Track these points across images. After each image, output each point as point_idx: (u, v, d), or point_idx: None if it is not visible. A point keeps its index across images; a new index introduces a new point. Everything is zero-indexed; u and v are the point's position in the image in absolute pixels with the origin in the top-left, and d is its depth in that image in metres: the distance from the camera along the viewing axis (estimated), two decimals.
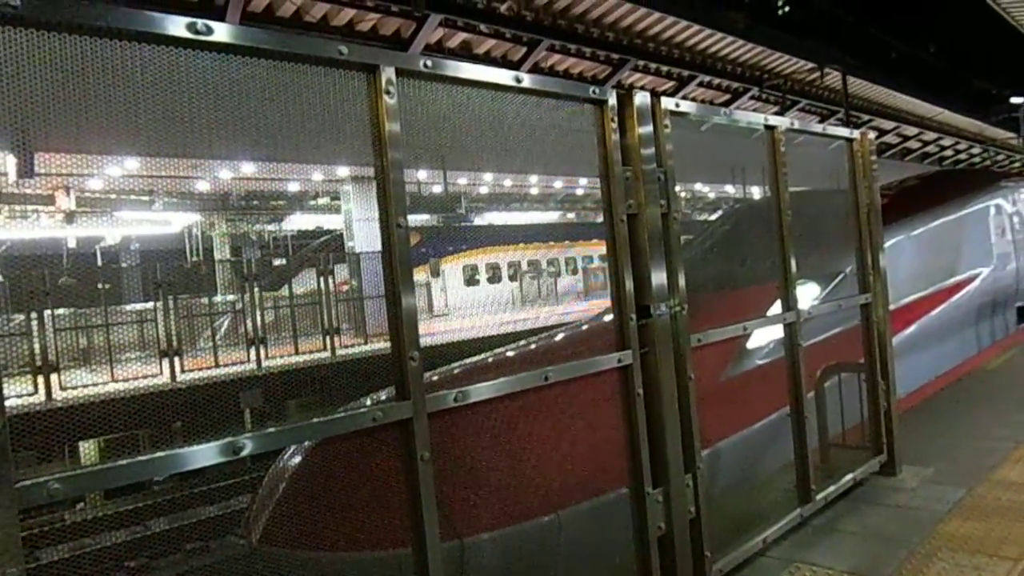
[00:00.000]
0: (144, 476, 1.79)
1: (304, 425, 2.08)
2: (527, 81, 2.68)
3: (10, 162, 12.42)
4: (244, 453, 1.91)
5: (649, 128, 3.12)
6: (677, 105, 3.35)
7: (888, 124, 29.11)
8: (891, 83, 26.47)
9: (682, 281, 3.21)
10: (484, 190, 26.17)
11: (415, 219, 23.45)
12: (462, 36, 16.43)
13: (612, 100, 2.97)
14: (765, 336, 4.98)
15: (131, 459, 1.77)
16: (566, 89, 2.96)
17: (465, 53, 16.55)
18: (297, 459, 3.91)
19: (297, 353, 14.74)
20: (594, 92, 2.92)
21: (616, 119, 2.99)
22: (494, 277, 27.65)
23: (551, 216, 32.33)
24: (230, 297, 18.47)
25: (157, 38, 1.99)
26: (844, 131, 4.80)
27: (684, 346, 3.22)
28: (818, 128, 4.76)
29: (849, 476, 4.53)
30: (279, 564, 3.26)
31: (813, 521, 4.18)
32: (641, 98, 3.10)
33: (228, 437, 1.88)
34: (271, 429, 2.01)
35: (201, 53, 2.05)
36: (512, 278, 28.06)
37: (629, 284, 2.99)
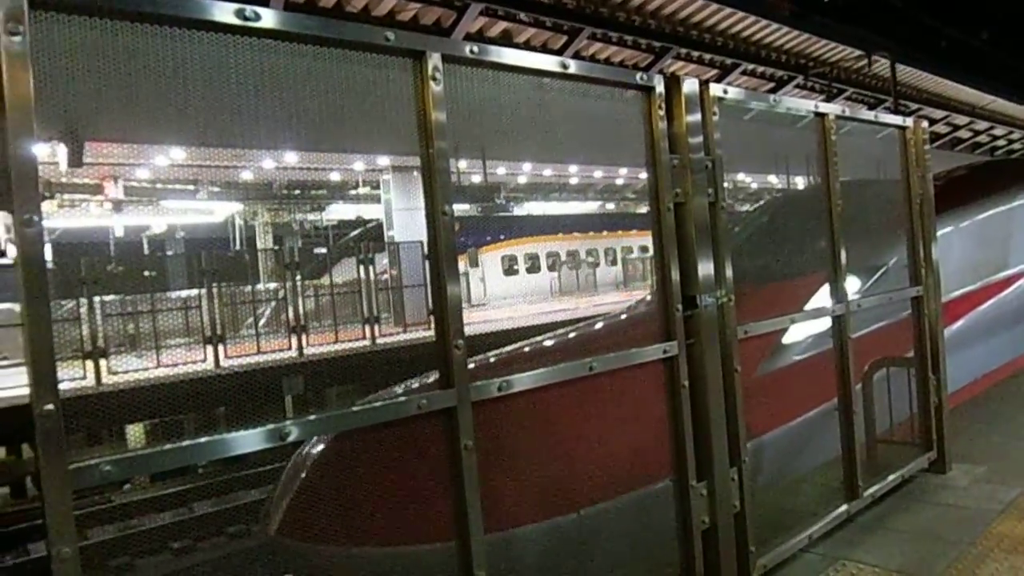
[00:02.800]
0: (194, 460, 1.80)
1: (350, 412, 2.08)
2: (573, 67, 2.64)
3: (61, 151, 12.73)
4: (291, 439, 1.92)
5: (697, 116, 3.06)
6: (725, 92, 3.28)
7: (938, 113, 28.37)
8: (941, 70, 25.76)
9: (729, 272, 3.15)
10: (523, 180, 26.11)
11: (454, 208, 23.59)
12: (502, 25, 16.39)
13: (660, 87, 2.92)
14: (801, 331, 4.81)
15: (181, 443, 1.79)
16: (612, 75, 2.92)
17: (505, 42, 16.51)
18: (324, 449, 3.78)
19: (337, 341, 14.89)
20: (641, 79, 2.87)
21: (663, 106, 2.93)
22: (533, 267, 27.62)
23: (590, 206, 32.16)
24: (272, 285, 18.72)
25: (206, 24, 1.99)
26: (897, 119, 4.67)
27: (731, 338, 3.16)
28: (869, 116, 4.64)
29: (897, 473, 4.43)
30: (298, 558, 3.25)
31: (859, 518, 4.09)
32: (689, 85, 3.04)
33: (276, 423, 1.89)
34: (318, 416, 2.02)
35: (248, 41, 2.05)
36: (551, 268, 28.01)
37: (675, 274, 2.94)
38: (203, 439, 1.82)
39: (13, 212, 1.59)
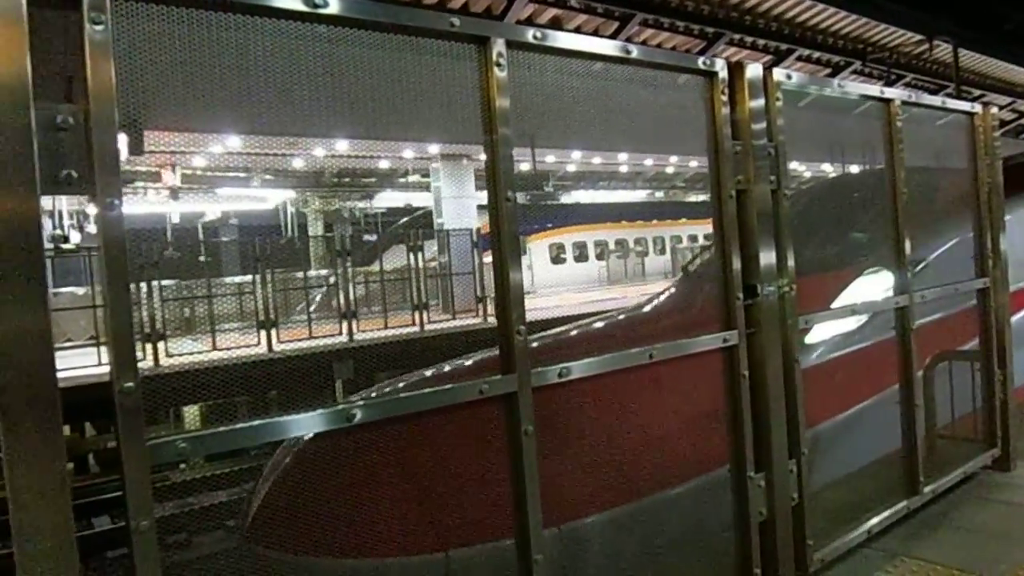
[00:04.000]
0: (264, 439, 1.85)
1: (415, 395, 2.11)
2: (636, 52, 2.61)
3: (122, 140, 13.05)
4: (356, 421, 1.95)
5: (760, 101, 3.00)
6: (789, 77, 3.22)
7: (1002, 99, 27.38)
8: (1006, 55, 24.82)
9: (791, 260, 3.09)
10: (572, 168, 25.99)
11: None
12: (552, 12, 16.27)
13: (723, 72, 2.87)
14: (830, 329, 4.47)
15: (253, 422, 1.84)
16: (675, 61, 2.88)
17: (555, 29, 16.40)
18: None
19: (386, 327, 15.05)
20: (704, 64, 2.83)
21: (726, 92, 2.89)
22: (581, 256, 27.51)
23: (639, 194, 31.89)
24: (322, 272, 19.00)
25: (275, 12, 2.02)
26: (965, 105, 4.52)
27: (791, 328, 3.11)
28: (936, 101, 4.50)
29: (959, 469, 4.32)
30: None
31: (920, 514, 4.01)
32: (753, 70, 2.98)
33: (344, 404, 1.92)
34: (383, 398, 2.04)
35: (304, 29, 2.07)
36: (599, 257, 27.86)
37: (736, 263, 2.90)
38: (274, 419, 1.86)
39: (95, 196, 1.64)
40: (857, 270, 4.73)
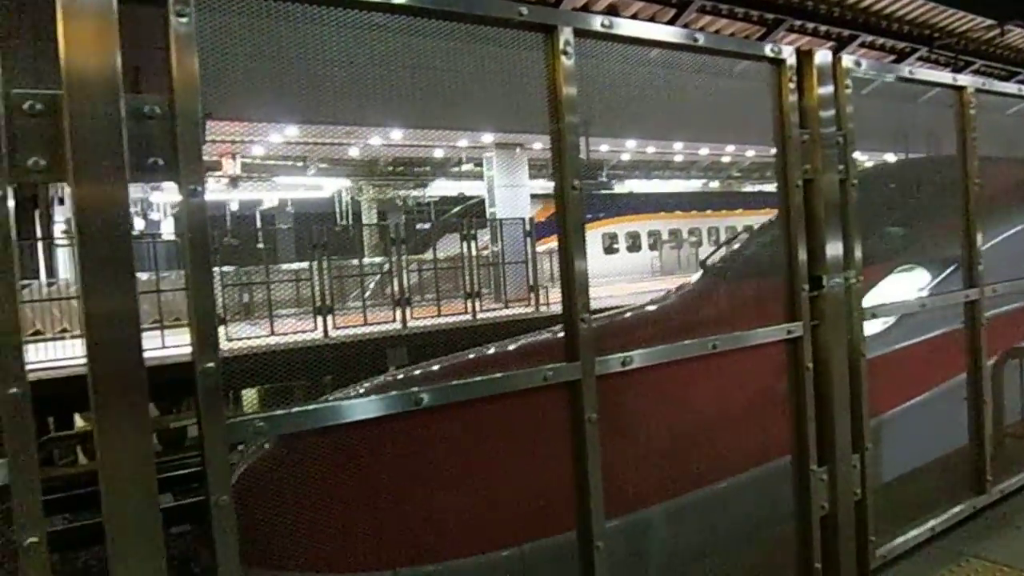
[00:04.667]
0: (334, 421, 1.89)
1: (481, 380, 2.13)
2: (702, 40, 2.59)
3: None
4: (423, 405, 1.99)
5: (829, 88, 2.95)
6: (858, 64, 3.15)
7: None
8: None
9: (859, 252, 3.04)
10: (625, 156, 25.78)
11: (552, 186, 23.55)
12: None
13: (791, 59, 2.82)
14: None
15: (324, 403, 1.89)
16: (743, 48, 2.85)
17: (613, 15, 16.25)
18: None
19: (439, 315, 15.19)
20: (773, 51, 2.79)
21: (794, 80, 2.84)
22: (633, 246, 27.31)
23: (693, 184, 31.49)
24: (377, 259, 19.25)
25: (345, 0, 2.05)
26: None
27: (857, 320, 3.06)
28: (1011, 88, 4.35)
29: None
30: None
31: (986, 514, 3.90)
32: (821, 57, 2.93)
33: (410, 388, 1.96)
34: (448, 383, 2.08)
35: (366, 20, 2.09)
36: (652, 247, 27.62)
37: (802, 253, 2.86)
38: (344, 402, 1.91)
39: (180, 183, 1.70)
40: (894, 264, 4.57)
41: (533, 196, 19.60)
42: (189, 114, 1.70)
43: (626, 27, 2.39)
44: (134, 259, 1.63)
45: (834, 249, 2.95)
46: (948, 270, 4.58)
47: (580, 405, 2.22)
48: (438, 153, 23.71)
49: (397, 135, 18.48)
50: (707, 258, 5.97)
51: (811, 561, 2.98)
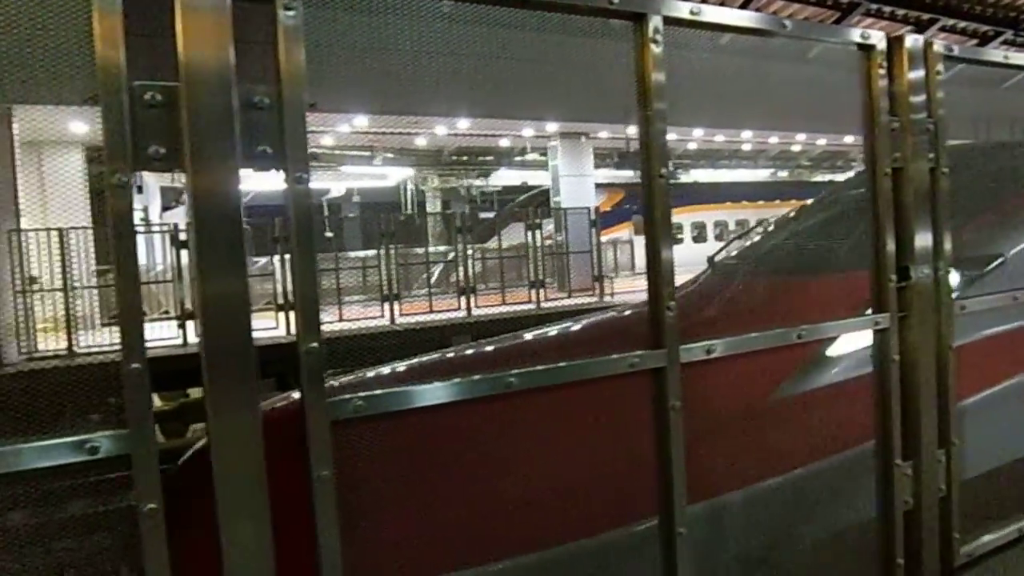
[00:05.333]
0: (430, 401, 1.95)
1: (567, 366, 2.17)
2: (791, 26, 2.55)
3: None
4: (513, 388, 2.03)
5: (920, 74, 2.88)
6: (950, 49, 3.06)
7: None
8: None
9: (948, 243, 2.96)
10: (692, 146, 25.42)
11: (621, 175, 23.33)
12: None
13: (881, 44, 2.76)
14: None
15: (421, 385, 1.95)
16: (832, 35, 2.80)
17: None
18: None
19: (503, 303, 15.30)
20: (862, 36, 2.74)
21: (884, 65, 2.78)
22: (699, 236, 26.96)
23: (761, 174, 30.84)
24: (441, 248, 19.47)
25: None
26: None
27: (946, 312, 2.98)
28: None
29: None
30: None
31: None
32: (912, 42, 2.86)
33: (499, 372, 2.00)
34: (536, 368, 2.11)
35: (439, 10, 2.13)
36: (719, 238, 27.20)
37: (890, 243, 2.81)
38: (440, 383, 1.97)
39: (287, 171, 1.77)
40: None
41: (598, 185, 19.51)
42: (296, 104, 1.77)
43: (713, 14, 2.38)
44: (244, 242, 1.71)
45: (923, 239, 2.88)
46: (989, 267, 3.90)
47: (664, 392, 2.24)
48: (503, 143, 23.79)
49: (462, 125, 18.61)
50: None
51: (893, 556, 2.93)
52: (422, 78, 11.26)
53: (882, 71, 2.80)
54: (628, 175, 22.88)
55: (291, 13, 1.76)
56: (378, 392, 1.88)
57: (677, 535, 2.28)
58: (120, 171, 1.64)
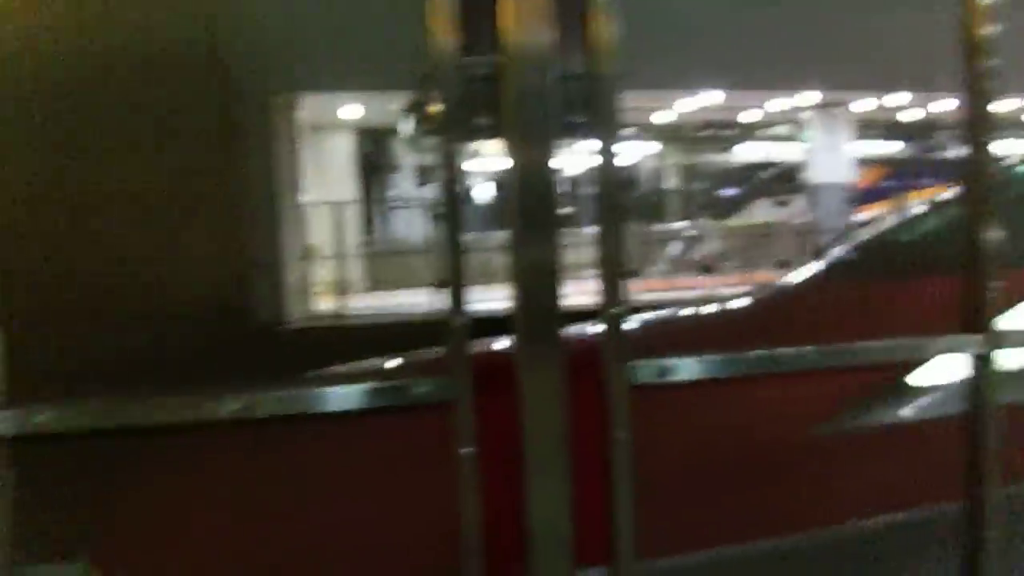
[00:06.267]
0: (731, 372, 1.95)
1: (860, 346, 2.05)
2: None
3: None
4: (781, 370, 1.97)
5: None
6: None
7: None
8: None
9: None
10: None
11: (884, 150, 21.46)
12: None
13: None
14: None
15: (735, 354, 1.95)
16: None
17: None
18: None
19: (747, 283, 14.77)
20: None
21: None
22: None
23: None
24: (679, 224, 19.19)
25: None
26: None
27: None
28: None
29: None
30: None
31: None
32: None
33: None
34: (803, 349, 2.02)
35: None
36: None
37: None
38: (735, 355, 1.95)
39: (599, 141, 1.83)
40: None
41: (859, 161, 18.13)
42: (608, 77, 1.81)
43: None
44: (557, 211, 1.79)
45: None
46: None
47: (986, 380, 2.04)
48: (749, 115, 22.81)
49: (704, 99, 18.09)
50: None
51: None
52: (673, 51, 11.05)
53: None
54: (893, 150, 21.01)
55: None
56: (686, 359, 1.90)
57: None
58: (452, 141, 1.79)
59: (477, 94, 1.79)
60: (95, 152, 2.93)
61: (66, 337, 2.70)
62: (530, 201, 1.77)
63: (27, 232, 2.29)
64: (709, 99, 18.08)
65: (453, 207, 1.81)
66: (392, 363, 3.12)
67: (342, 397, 1.91)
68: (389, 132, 18.20)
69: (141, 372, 2.48)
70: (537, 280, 1.80)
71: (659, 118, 22.63)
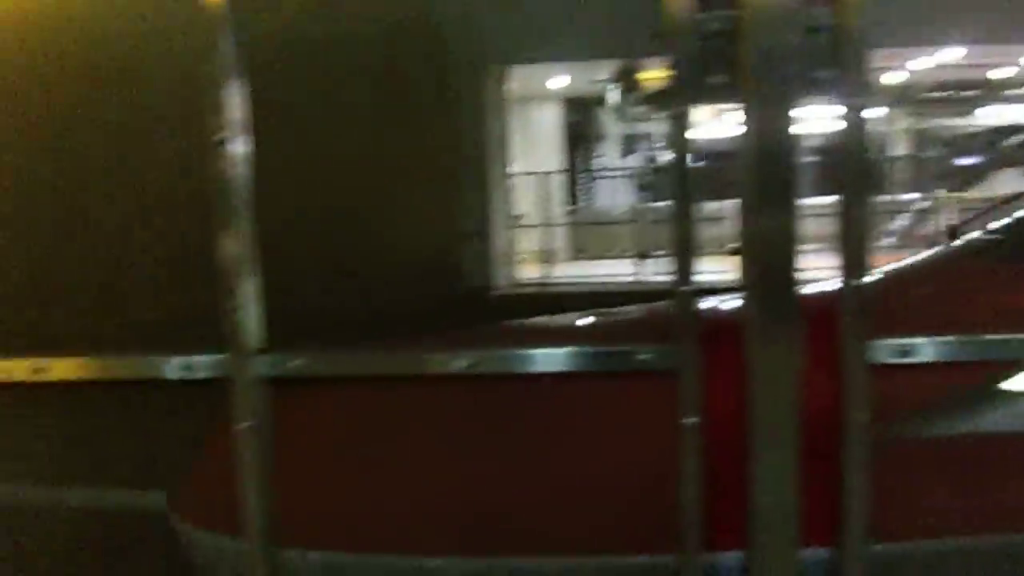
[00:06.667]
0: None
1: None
2: None
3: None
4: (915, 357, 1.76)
5: None
6: None
7: None
8: None
9: None
10: None
11: None
12: None
13: None
14: None
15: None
16: None
17: None
18: None
19: None
20: None
21: None
22: None
23: None
24: (907, 196, 17.56)
25: None
26: None
27: None
28: None
29: None
30: None
31: None
32: None
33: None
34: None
35: None
36: None
37: None
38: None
39: (845, 98, 1.69)
40: None
41: None
42: (857, 29, 1.67)
43: None
44: (795, 179, 1.68)
45: None
46: None
47: None
48: (993, 74, 20.31)
49: (943, 56, 16.28)
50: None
51: None
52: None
53: None
54: None
55: None
56: (923, 340, 1.74)
57: None
58: (680, 103, 1.73)
59: (712, 52, 1.71)
60: (336, 124, 3.16)
61: (307, 295, 2.96)
62: (768, 167, 1.68)
63: (285, 205, 2.52)
64: (948, 56, 16.26)
65: (682, 174, 1.76)
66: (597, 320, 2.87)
67: (562, 358, 1.94)
68: (595, 101, 18.11)
69: (370, 327, 2.65)
70: (774, 251, 1.71)
71: (889, 79, 20.75)
